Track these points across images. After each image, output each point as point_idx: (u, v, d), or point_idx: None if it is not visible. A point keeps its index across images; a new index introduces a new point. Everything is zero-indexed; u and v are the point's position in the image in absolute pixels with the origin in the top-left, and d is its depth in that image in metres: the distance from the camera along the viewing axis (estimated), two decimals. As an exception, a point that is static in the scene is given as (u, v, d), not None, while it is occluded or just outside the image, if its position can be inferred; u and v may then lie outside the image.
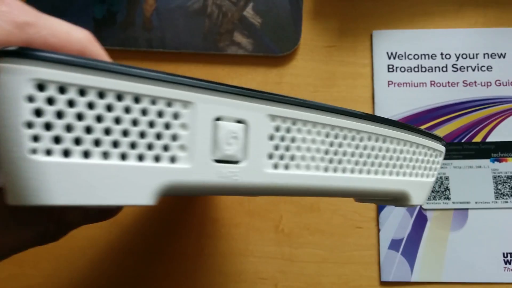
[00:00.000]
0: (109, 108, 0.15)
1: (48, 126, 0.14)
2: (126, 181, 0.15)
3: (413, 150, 0.23)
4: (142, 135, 0.16)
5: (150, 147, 0.16)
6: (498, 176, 0.43)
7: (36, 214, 0.21)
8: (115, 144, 0.15)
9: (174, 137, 0.16)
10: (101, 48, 0.20)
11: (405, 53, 0.45)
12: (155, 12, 0.46)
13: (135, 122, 0.16)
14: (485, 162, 0.43)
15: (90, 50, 0.19)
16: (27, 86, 0.14)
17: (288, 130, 0.19)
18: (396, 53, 0.45)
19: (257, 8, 0.45)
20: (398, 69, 0.44)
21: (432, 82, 0.44)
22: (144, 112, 0.16)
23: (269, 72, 0.45)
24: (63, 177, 0.14)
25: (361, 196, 0.24)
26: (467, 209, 0.43)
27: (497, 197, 0.43)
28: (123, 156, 0.15)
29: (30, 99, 0.14)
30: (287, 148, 0.19)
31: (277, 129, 0.19)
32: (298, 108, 0.19)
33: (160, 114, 0.16)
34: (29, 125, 0.14)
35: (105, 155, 0.15)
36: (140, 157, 0.16)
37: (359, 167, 0.22)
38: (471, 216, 0.43)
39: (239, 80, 0.45)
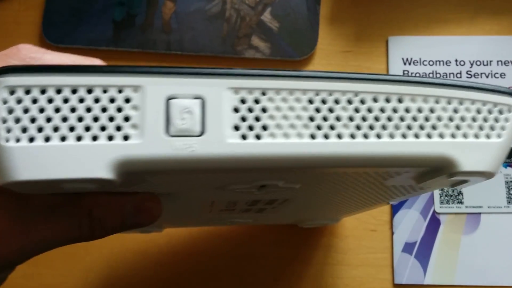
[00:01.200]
0: (66, 100, 0.18)
1: (17, 120, 0.18)
2: (82, 158, 0.18)
3: (442, 106, 0.21)
4: (96, 119, 0.18)
5: (103, 128, 0.18)
6: (511, 181, 0.44)
7: (67, 206, 0.22)
8: (71, 129, 0.18)
9: (127, 118, 0.19)
10: None
11: (420, 59, 0.45)
12: (174, 15, 0.46)
13: (88, 109, 0.18)
14: (498, 167, 0.44)
15: None
16: (3, 92, 0.18)
17: (256, 101, 0.19)
18: (411, 59, 0.45)
19: (275, 12, 0.46)
20: (414, 74, 0.45)
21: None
22: (96, 100, 0.18)
23: (285, 76, 0.46)
24: (29, 157, 0.18)
25: (379, 165, 0.21)
26: (480, 213, 0.43)
27: (509, 202, 0.43)
28: (79, 138, 0.18)
29: (5, 101, 0.18)
30: (257, 118, 0.19)
31: (243, 100, 0.19)
32: (263, 78, 0.19)
33: (111, 100, 0.19)
34: (4, 120, 0.18)
35: (63, 138, 0.18)
36: (94, 138, 0.18)
37: (363, 132, 0.20)
38: (484, 220, 0.43)
39: (256, 83, 0.46)
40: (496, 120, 0.21)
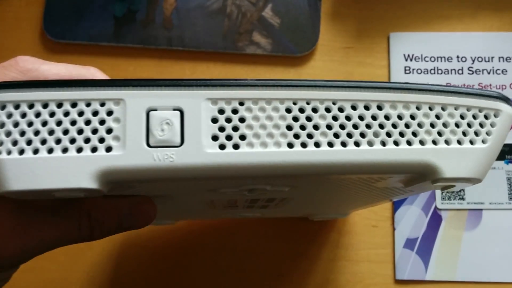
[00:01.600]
0: (52, 114, 0.19)
1: (8, 133, 0.19)
2: (68, 169, 0.19)
3: (424, 112, 0.21)
4: (80, 131, 0.19)
5: (87, 140, 0.19)
6: (512, 177, 0.44)
7: (67, 208, 0.23)
8: (58, 141, 0.19)
9: (109, 130, 0.19)
10: (104, 76, 0.24)
11: (421, 55, 0.45)
12: (175, 11, 0.46)
13: (73, 123, 0.19)
14: (500, 163, 0.44)
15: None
16: None
17: (234, 111, 0.20)
18: (413, 55, 0.45)
19: (276, 8, 0.46)
20: (415, 71, 0.45)
21: (448, 84, 0.45)
22: (80, 113, 0.19)
23: (287, 72, 0.46)
24: (19, 169, 0.19)
25: (358, 173, 0.21)
26: (482, 209, 0.43)
27: (511, 198, 0.43)
28: (65, 150, 0.19)
29: None
30: (235, 128, 0.20)
31: (221, 111, 0.20)
32: (240, 88, 0.20)
33: (94, 113, 0.19)
34: None
35: (50, 150, 0.19)
36: (79, 149, 0.19)
37: (341, 140, 0.20)
38: (485, 217, 0.43)
39: (257, 79, 0.46)
40: (481, 125, 0.21)
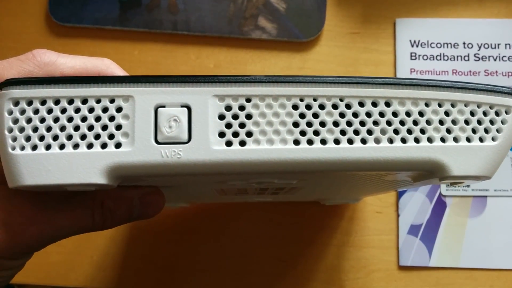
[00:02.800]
0: (63, 110, 0.20)
1: (22, 129, 0.20)
2: (78, 165, 0.19)
3: (433, 109, 0.20)
4: (90, 128, 0.20)
5: (97, 136, 0.20)
6: (518, 164, 0.43)
7: (81, 198, 0.24)
8: (69, 137, 0.20)
9: (118, 127, 0.20)
10: (118, 68, 0.24)
11: (428, 41, 0.45)
12: (181, -5, 0.46)
13: (84, 119, 0.20)
14: (505, 150, 0.44)
15: (106, 72, 0.24)
16: (8, 104, 0.20)
17: (241, 108, 0.20)
18: (419, 41, 0.45)
19: (282, -7, 0.46)
20: (421, 57, 0.45)
21: (454, 71, 0.45)
22: (90, 110, 0.20)
23: (292, 57, 0.46)
24: (32, 164, 0.19)
25: (364, 170, 0.21)
26: (486, 196, 0.43)
27: (516, 185, 0.43)
28: (76, 146, 0.20)
29: (10, 112, 0.20)
30: (242, 125, 0.20)
31: (228, 108, 0.20)
32: (248, 85, 0.20)
33: (104, 109, 0.20)
34: (10, 130, 0.20)
35: (62, 146, 0.20)
36: (89, 145, 0.20)
37: (348, 137, 0.20)
38: (490, 204, 0.43)
39: (262, 64, 0.46)
40: (492, 122, 0.21)
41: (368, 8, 0.46)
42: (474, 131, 0.21)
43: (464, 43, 0.45)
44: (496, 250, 0.42)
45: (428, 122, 0.20)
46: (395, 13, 0.46)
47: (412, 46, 0.45)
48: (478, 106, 0.21)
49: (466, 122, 0.21)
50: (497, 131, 0.21)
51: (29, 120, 0.20)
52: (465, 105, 0.21)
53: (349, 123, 0.20)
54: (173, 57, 0.46)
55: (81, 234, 0.43)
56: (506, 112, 0.21)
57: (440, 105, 0.20)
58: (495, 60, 0.45)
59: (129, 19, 0.46)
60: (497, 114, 0.21)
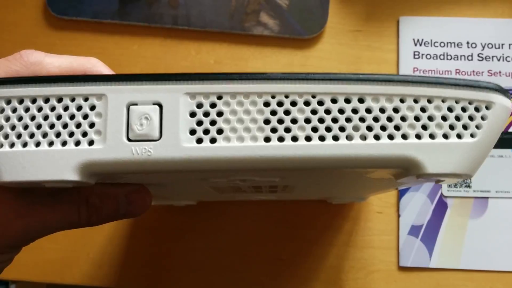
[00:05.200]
0: (39, 109, 0.20)
1: (0, 128, 0.20)
2: (52, 162, 0.20)
3: (408, 105, 0.20)
4: (65, 126, 0.20)
5: (71, 134, 0.20)
6: (520, 166, 0.43)
7: (67, 194, 0.24)
8: (44, 135, 0.20)
9: (91, 125, 0.20)
10: (105, 67, 0.25)
11: (431, 40, 0.45)
12: (181, -11, 0.45)
13: (59, 117, 0.20)
14: (507, 152, 0.43)
15: (92, 71, 0.24)
16: None
17: (212, 105, 0.20)
18: (422, 40, 0.45)
19: (285, -11, 0.45)
20: (424, 56, 0.44)
21: (457, 70, 0.44)
22: (65, 108, 0.20)
23: (294, 54, 0.45)
24: (10, 161, 0.20)
25: (337, 167, 0.20)
26: (488, 197, 0.43)
27: (517, 187, 0.43)
28: (51, 144, 0.20)
29: None
30: (213, 122, 0.20)
31: (199, 105, 0.20)
32: (218, 82, 0.20)
33: (78, 108, 0.20)
34: None
35: (37, 144, 0.20)
36: (64, 143, 0.20)
37: (320, 134, 0.20)
38: (491, 205, 0.43)
39: (263, 61, 0.45)
40: (471, 118, 0.20)
41: (372, 6, 0.46)
42: (451, 127, 0.20)
43: (468, 43, 0.45)
44: (497, 251, 0.42)
45: (403, 119, 0.20)
46: (398, 11, 0.46)
47: (416, 44, 0.45)
48: (456, 102, 0.20)
49: (444, 118, 0.20)
50: (477, 127, 0.20)
51: (7, 119, 0.20)
52: (443, 101, 0.20)
53: (321, 120, 0.20)
54: (173, 52, 0.45)
55: (77, 231, 0.42)
56: (487, 108, 0.20)
57: (416, 101, 0.20)
58: (498, 60, 0.44)
59: (128, 12, 0.45)
60: (476, 109, 0.20)
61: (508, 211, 0.43)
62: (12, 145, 0.20)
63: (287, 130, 0.20)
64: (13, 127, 0.20)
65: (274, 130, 0.20)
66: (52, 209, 0.23)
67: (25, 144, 0.20)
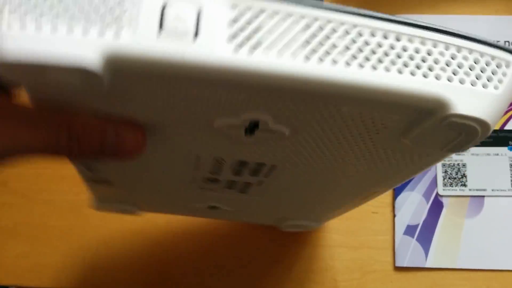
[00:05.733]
0: None
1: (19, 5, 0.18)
2: (72, 46, 0.18)
3: (440, 51, 0.21)
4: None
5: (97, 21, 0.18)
6: (516, 164, 0.43)
7: (46, 119, 0.22)
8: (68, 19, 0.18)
9: (123, 12, 0.18)
10: None
11: (426, 38, 0.44)
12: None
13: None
14: (503, 150, 0.43)
15: None
16: None
17: (255, 16, 0.19)
18: (417, 38, 0.44)
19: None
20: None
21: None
22: None
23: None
24: (20, 42, 0.18)
25: (371, 98, 0.21)
26: (484, 196, 0.43)
27: (513, 186, 0.43)
28: (70, 30, 0.18)
29: None
30: (253, 33, 0.19)
31: (241, 13, 0.19)
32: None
33: None
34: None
35: (55, 28, 0.18)
36: (85, 31, 0.18)
37: (358, 61, 0.20)
38: (487, 204, 0.43)
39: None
40: (493, 72, 0.21)
41: (366, 4, 0.46)
42: (477, 77, 0.21)
43: (463, 40, 0.44)
44: (494, 250, 0.42)
45: (436, 62, 0.21)
46: (393, 9, 0.45)
47: (410, 43, 0.44)
48: (480, 55, 0.21)
49: (470, 67, 0.21)
50: (499, 81, 0.22)
51: None
52: (469, 52, 0.21)
53: (360, 50, 0.20)
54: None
55: (72, 236, 0.42)
56: (506, 66, 0.22)
57: (447, 48, 0.21)
58: (494, 57, 0.44)
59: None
60: (498, 66, 0.22)
61: (504, 209, 0.42)
62: (23, 26, 0.18)
63: (327, 52, 0.20)
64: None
65: (313, 51, 0.19)
66: (28, 129, 0.21)
67: (39, 27, 0.18)
